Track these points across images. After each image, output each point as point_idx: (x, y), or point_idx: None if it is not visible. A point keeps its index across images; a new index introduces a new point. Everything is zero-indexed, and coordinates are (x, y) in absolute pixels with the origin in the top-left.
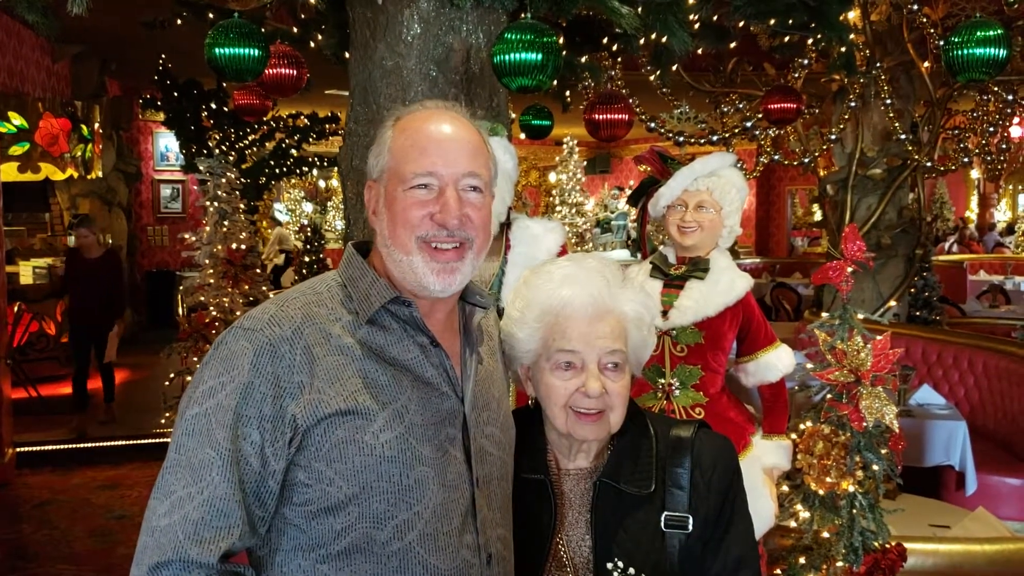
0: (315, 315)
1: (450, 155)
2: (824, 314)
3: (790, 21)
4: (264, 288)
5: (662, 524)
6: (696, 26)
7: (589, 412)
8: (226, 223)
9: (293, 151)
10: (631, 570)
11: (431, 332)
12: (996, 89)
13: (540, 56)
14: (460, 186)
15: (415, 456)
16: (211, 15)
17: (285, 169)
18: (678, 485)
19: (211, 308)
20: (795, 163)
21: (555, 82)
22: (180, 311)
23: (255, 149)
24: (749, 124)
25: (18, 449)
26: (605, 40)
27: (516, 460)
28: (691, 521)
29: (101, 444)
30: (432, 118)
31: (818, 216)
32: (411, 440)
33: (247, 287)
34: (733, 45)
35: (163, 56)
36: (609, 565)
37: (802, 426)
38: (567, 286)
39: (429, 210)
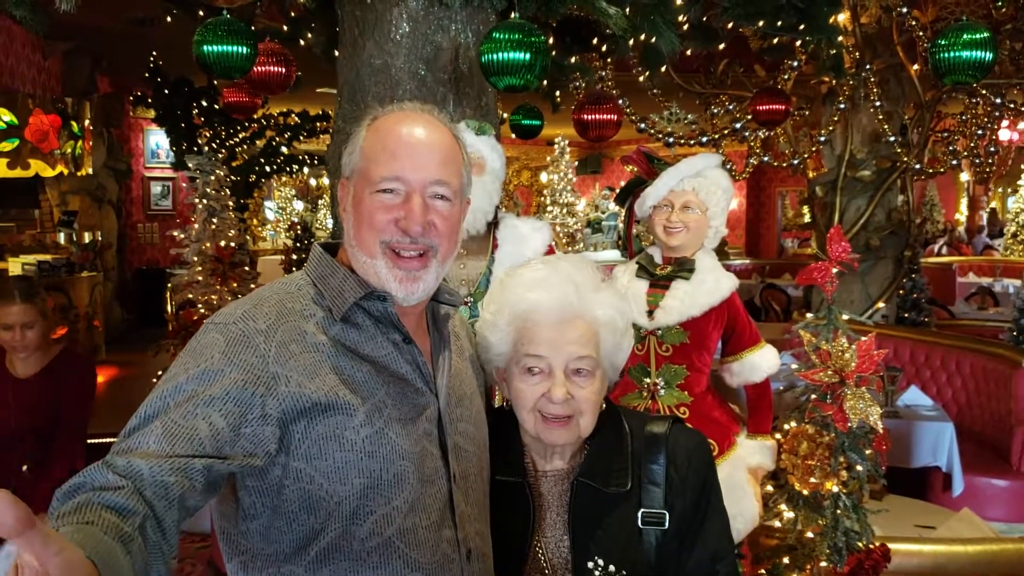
0: (289, 312)
1: (419, 160)
2: (809, 315)
3: (779, 23)
4: (252, 286)
5: (639, 521)
6: (686, 27)
7: (556, 417)
8: (215, 220)
9: (283, 149)
10: (611, 568)
11: (404, 329)
12: (984, 92)
13: (528, 56)
14: (427, 193)
15: (395, 451)
16: (201, 12)
17: (275, 167)
18: (653, 482)
19: (199, 305)
20: (785, 165)
21: (545, 82)
22: (169, 308)
23: (246, 147)
24: (739, 126)
25: None
26: (595, 41)
27: (493, 462)
28: (667, 517)
29: (90, 441)
30: (405, 120)
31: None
32: (390, 435)
33: (235, 284)
34: (723, 47)
35: (154, 53)
36: (590, 564)
37: (787, 426)
38: (535, 290)
39: (394, 215)
